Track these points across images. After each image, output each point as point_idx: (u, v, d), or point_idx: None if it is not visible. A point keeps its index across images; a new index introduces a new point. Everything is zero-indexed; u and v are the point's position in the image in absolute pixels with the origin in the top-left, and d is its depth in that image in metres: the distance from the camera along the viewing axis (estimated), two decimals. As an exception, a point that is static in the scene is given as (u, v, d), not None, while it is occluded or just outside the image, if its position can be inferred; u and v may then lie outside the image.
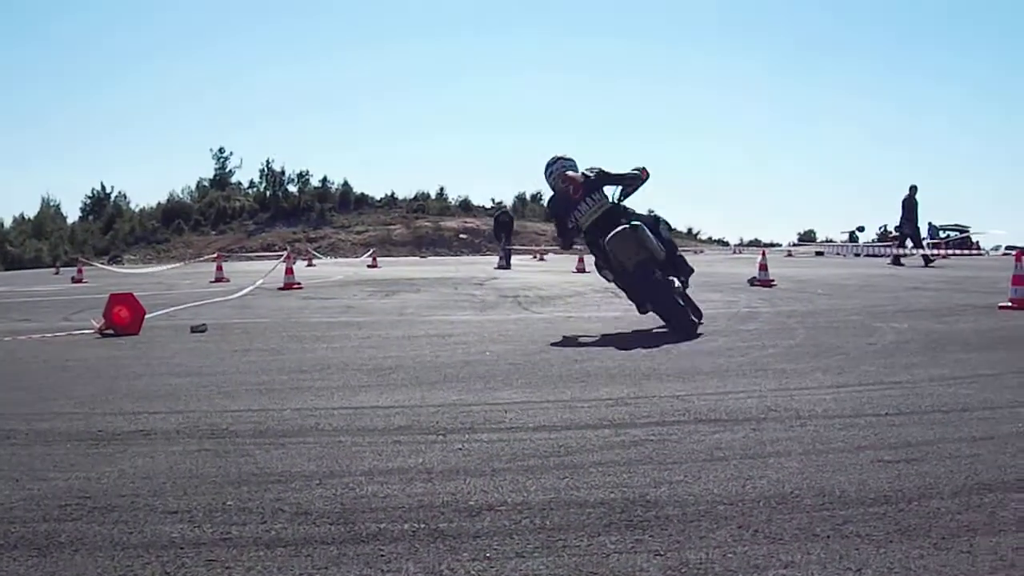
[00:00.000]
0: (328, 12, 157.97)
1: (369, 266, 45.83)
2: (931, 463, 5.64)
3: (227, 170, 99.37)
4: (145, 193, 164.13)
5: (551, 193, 14.38)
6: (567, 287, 24.70)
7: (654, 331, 13.40)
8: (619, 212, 13.70)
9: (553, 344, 12.28)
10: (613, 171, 14.06)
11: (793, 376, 9.23)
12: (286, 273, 26.66)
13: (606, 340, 12.61)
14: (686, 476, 5.38)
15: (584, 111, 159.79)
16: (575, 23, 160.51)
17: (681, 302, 13.43)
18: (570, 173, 13.92)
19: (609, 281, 14.38)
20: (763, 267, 24.82)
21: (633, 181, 13.98)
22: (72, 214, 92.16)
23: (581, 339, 12.88)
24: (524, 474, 5.48)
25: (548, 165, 14.11)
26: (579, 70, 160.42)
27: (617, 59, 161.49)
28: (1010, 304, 16.47)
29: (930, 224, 67.55)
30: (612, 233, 13.10)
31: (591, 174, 13.94)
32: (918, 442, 6.21)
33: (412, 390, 8.71)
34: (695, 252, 77.45)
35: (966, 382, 8.80)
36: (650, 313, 13.57)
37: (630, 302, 14.13)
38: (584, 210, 13.72)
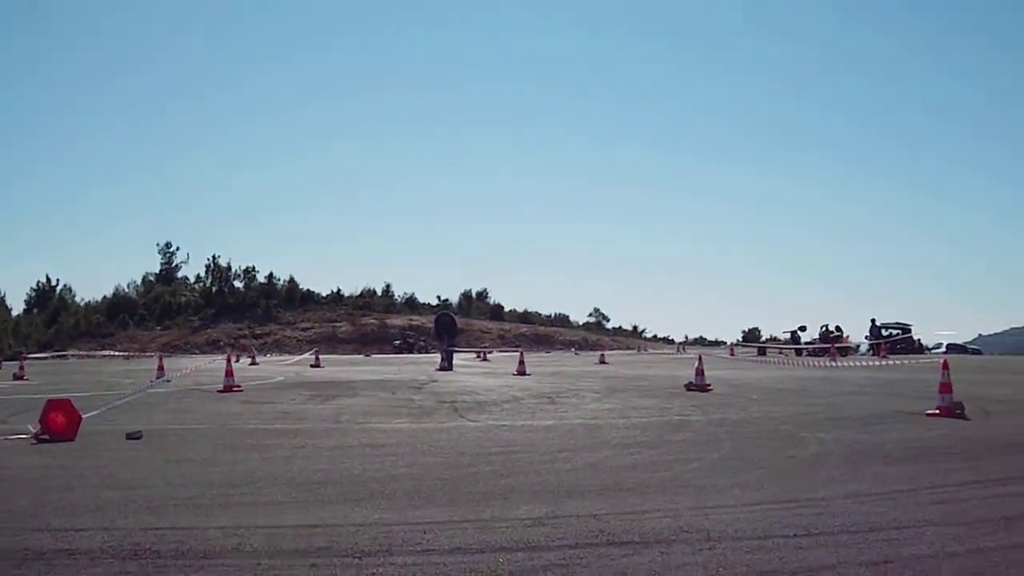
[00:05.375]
0: (272, 109, 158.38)
1: (312, 365, 45.66)
2: (827, 590, 5.82)
3: (173, 265, 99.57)
4: (91, 287, 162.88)
5: None
6: (505, 391, 24.79)
7: (583, 444, 13.56)
8: None
9: (482, 456, 12.37)
10: None
11: (712, 492, 9.41)
12: (226, 375, 26.46)
13: (534, 452, 12.74)
14: (588, 604, 5.52)
15: (529, 206, 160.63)
16: (523, 115, 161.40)
17: None
18: None
19: None
20: (699, 372, 25.00)
21: None
22: (17, 306, 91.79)
23: (510, 450, 12.94)
24: (431, 602, 5.60)
25: None
26: (528, 164, 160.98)
27: (562, 154, 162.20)
28: (937, 412, 16.77)
29: (872, 322, 68.35)
30: None
31: None
32: (819, 566, 6.43)
33: (337, 507, 8.82)
34: (638, 351, 77.56)
35: (880, 499, 9.04)
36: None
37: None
38: None
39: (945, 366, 17.50)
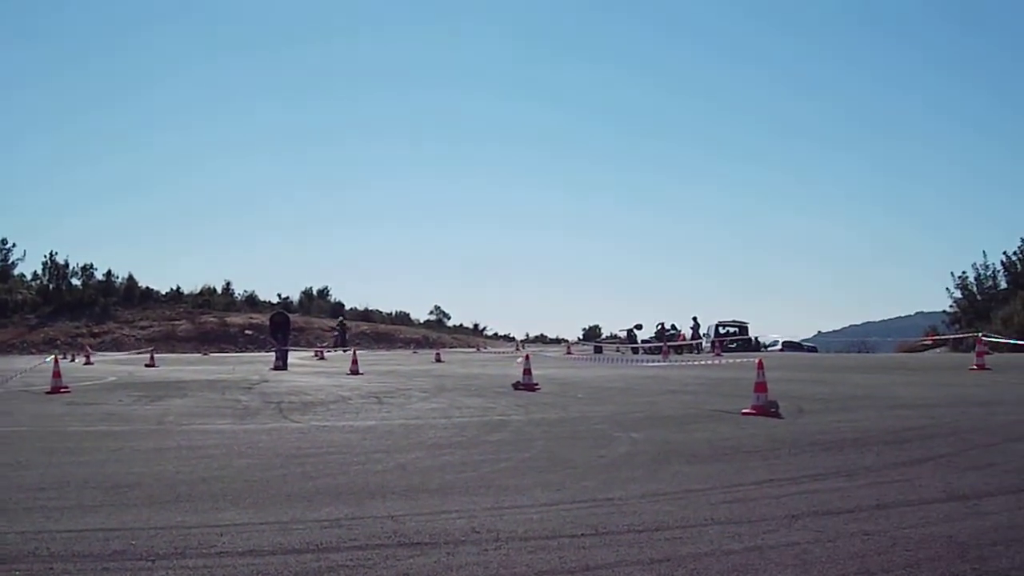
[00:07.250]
0: (115, 107, 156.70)
1: (147, 365, 44.90)
2: (599, 588, 6.04)
3: (9, 262, 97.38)
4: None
5: None
6: (334, 391, 24.82)
7: (399, 444, 13.72)
8: None
9: (296, 457, 12.46)
10: None
11: (513, 493, 9.62)
12: (53, 376, 25.87)
13: (348, 453, 12.85)
14: (361, 606, 5.68)
15: (374, 206, 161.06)
16: (366, 120, 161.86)
17: None
18: None
19: None
20: (527, 372, 25.20)
21: None
22: None
23: (326, 452, 13.04)
24: (210, 605, 5.73)
25: None
26: (374, 166, 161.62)
27: (406, 155, 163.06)
28: (752, 411, 17.13)
29: (694, 319, 69.43)
30: None
31: None
32: (597, 565, 6.64)
33: (141, 510, 8.87)
34: (477, 349, 77.57)
35: (674, 498, 9.29)
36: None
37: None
38: None
39: (760, 366, 17.85)
